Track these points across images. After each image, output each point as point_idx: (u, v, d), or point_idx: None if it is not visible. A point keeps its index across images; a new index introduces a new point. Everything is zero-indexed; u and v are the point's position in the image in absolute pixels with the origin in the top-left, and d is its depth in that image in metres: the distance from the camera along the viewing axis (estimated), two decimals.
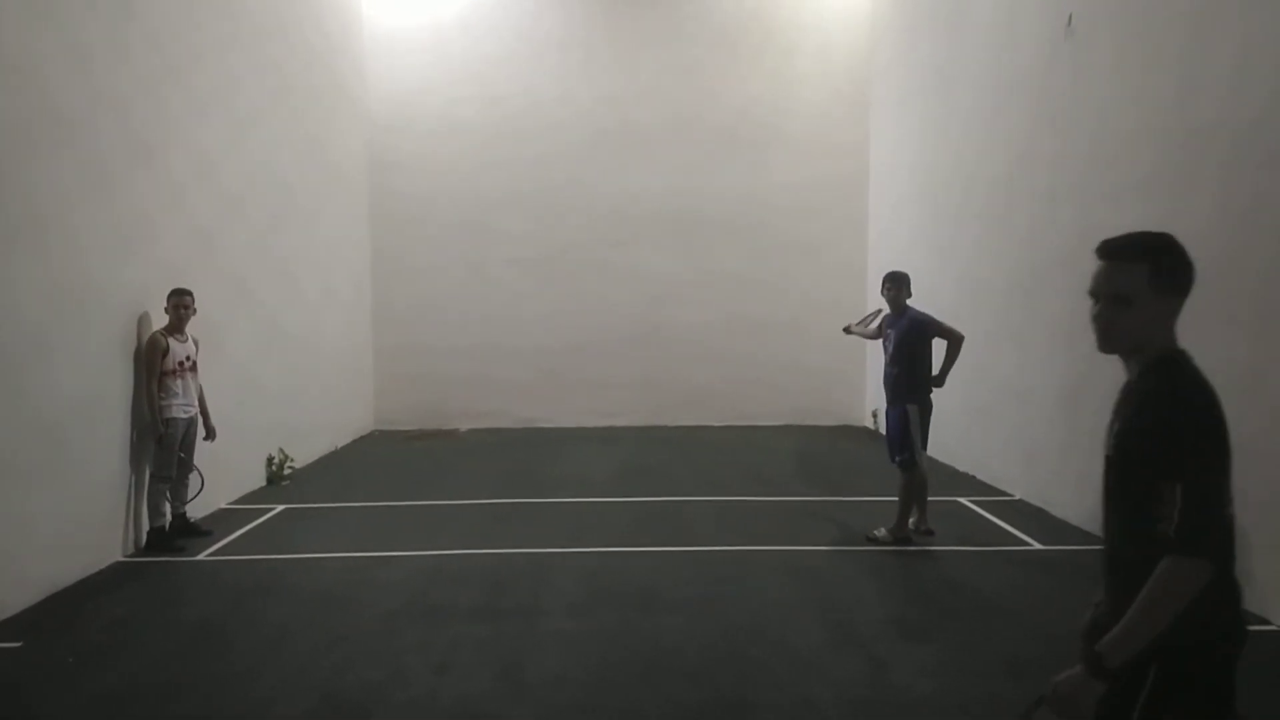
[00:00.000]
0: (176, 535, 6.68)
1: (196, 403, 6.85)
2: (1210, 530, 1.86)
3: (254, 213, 8.80)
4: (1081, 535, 6.78)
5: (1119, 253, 2.03)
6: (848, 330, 7.69)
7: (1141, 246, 2.01)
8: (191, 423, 6.80)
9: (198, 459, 6.92)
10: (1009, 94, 8.42)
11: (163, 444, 6.54)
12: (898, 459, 6.65)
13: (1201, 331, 5.52)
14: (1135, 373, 2.07)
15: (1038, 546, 6.63)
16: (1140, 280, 1.98)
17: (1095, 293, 2.07)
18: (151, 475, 6.61)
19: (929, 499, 6.86)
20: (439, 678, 4.36)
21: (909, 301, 6.81)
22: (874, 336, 7.34)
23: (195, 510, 7.09)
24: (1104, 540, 2.15)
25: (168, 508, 6.69)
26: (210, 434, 7.01)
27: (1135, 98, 6.37)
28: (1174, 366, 1.99)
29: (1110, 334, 2.05)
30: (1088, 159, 6.97)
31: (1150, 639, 1.85)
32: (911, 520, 6.72)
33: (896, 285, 6.77)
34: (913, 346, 6.62)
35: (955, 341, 6.58)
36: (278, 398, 9.23)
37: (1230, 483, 1.94)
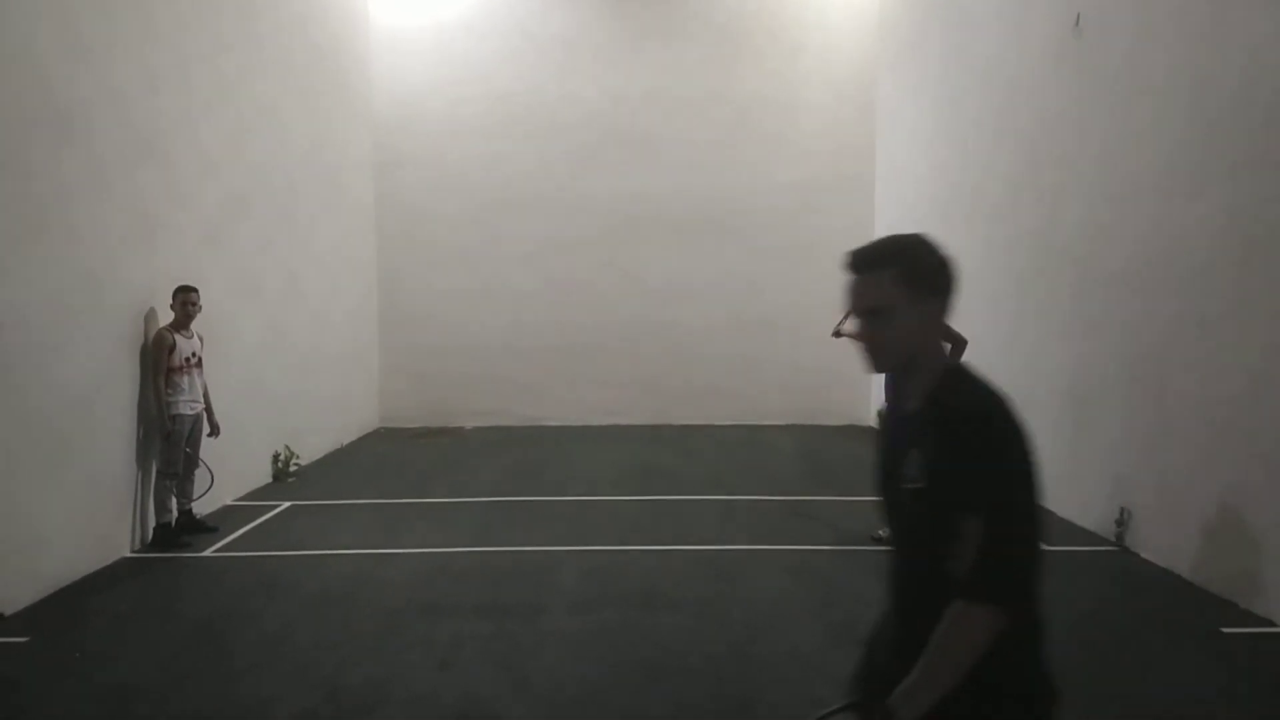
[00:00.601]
0: (182, 532, 6.71)
1: (202, 399, 6.88)
2: (1008, 574, 1.67)
3: (259, 211, 8.82)
4: (1084, 536, 6.78)
5: (866, 263, 1.84)
6: (837, 334, 7.60)
7: (888, 252, 1.84)
8: (197, 419, 6.82)
9: (205, 455, 6.94)
10: (1017, 93, 8.39)
11: (169, 440, 6.57)
12: None
13: (1211, 332, 5.55)
14: (923, 393, 1.86)
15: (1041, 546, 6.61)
16: (894, 287, 1.80)
17: (853, 311, 1.88)
18: (158, 472, 6.63)
19: None
20: (442, 675, 4.37)
21: None
22: None
23: (201, 507, 7.11)
24: (893, 581, 1.95)
25: (174, 504, 6.71)
26: (214, 430, 7.04)
27: (1145, 96, 6.34)
28: (960, 385, 1.81)
29: (879, 351, 1.86)
30: (1097, 158, 6.94)
31: (945, 690, 1.67)
32: None
33: None
34: None
35: (959, 345, 6.56)
36: (283, 395, 9.26)
37: (1039, 513, 1.75)
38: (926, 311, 1.82)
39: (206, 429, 6.96)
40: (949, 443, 1.72)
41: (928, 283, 1.82)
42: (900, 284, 1.80)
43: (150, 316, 6.68)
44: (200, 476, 6.92)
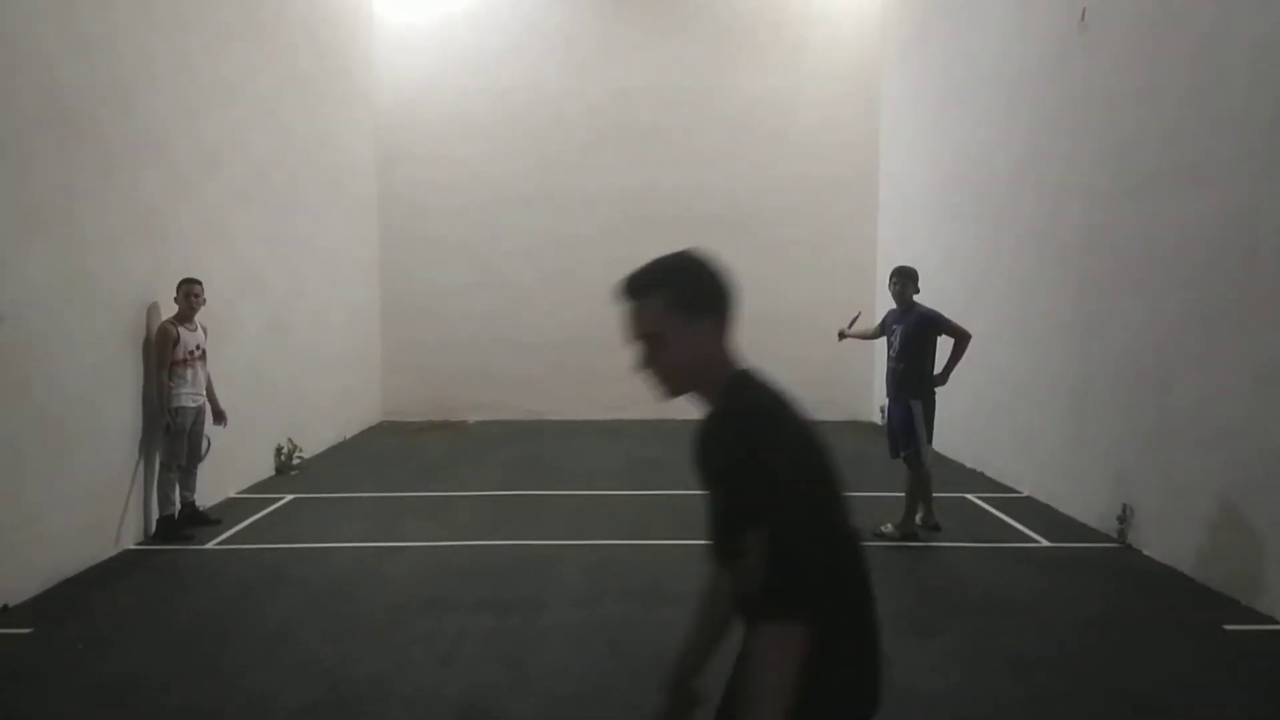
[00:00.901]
0: (185, 524, 6.72)
1: (204, 391, 6.88)
2: (797, 584, 1.56)
3: (263, 204, 8.82)
4: (1089, 533, 6.77)
5: (634, 290, 1.79)
6: (842, 336, 7.58)
7: (654, 277, 1.79)
8: (200, 411, 6.83)
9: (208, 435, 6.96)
10: (1020, 90, 8.36)
11: (171, 433, 6.58)
12: (903, 454, 6.64)
13: (1214, 330, 5.53)
14: (711, 406, 1.81)
15: (1045, 543, 6.61)
16: (663, 311, 1.75)
17: (631, 337, 1.82)
18: (161, 464, 6.65)
19: (934, 494, 6.85)
20: (445, 669, 4.38)
21: (916, 298, 6.79)
22: (873, 336, 7.30)
23: (204, 499, 7.12)
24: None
25: (177, 496, 6.73)
26: (219, 418, 7.05)
27: (1147, 94, 6.31)
28: (735, 393, 1.75)
29: (661, 377, 1.80)
30: (1099, 156, 6.92)
31: (786, 714, 1.54)
32: (918, 516, 6.71)
33: (903, 280, 6.75)
34: (920, 342, 6.59)
35: (962, 339, 6.55)
36: (287, 388, 9.26)
37: (837, 509, 1.72)
38: (700, 330, 1.78)
39: (210, 418, 6.97)
40: (723, 453, 1.68)
41: (697, 303, 1.78)
42: (670, 308, 1.76)
43: (153, 310, 6.69)
44: (201, 449, 6.91)
